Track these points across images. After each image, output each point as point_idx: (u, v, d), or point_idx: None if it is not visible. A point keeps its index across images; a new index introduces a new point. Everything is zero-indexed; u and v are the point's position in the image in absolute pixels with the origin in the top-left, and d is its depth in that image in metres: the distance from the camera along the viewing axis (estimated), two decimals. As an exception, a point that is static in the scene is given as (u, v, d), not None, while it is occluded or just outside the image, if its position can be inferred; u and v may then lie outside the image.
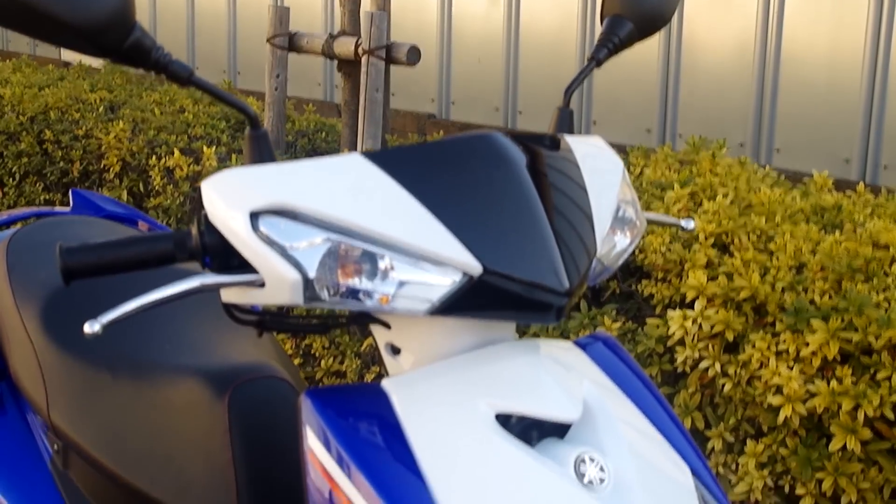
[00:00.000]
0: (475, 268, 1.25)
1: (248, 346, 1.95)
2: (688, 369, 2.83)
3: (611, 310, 3.06)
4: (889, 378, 2.53)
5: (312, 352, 3.76)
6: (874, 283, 2.78)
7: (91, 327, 1.22)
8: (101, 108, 5.24)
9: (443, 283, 1.25)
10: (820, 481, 2.63)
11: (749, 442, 2.78)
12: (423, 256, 1.25)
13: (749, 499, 2.73)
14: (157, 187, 4.52)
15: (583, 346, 1.47)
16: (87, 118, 5.10)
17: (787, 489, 2.75)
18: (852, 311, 2.61)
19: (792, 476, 2.73)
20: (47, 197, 5.05)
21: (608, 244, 1.42)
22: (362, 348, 3.58)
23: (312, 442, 1.27)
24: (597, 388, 1.35)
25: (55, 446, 1.98)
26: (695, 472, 1.39)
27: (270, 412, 1.75)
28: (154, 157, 4.58)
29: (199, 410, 1.75)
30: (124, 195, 4.62)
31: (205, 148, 4.41)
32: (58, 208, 2.68)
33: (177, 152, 4.44)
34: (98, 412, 1.88)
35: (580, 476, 1.23)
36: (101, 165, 4.83)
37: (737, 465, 2.76)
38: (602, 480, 1.24)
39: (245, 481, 1.69)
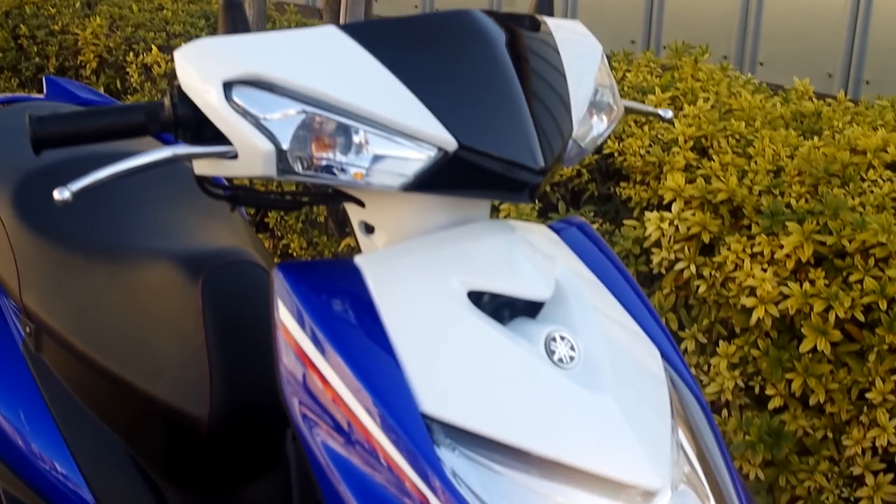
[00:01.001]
0: (450, 143, 1.24)
1: (222, 231, 1.94)
2: (663, 271, 2.84)
3: (588, 211, 3.06)
4: (861, 281, 2.55)
5: (290, 251, 3.76)
6: (850, 187, 2.79)
7: (61, 194, 1.20)
8: (77, 4, 5.17)
9: (417, 157, 1.25)
10: (790, 382, 2.66)
11: (721, 343, 2.81)
12: (398, 131, 1.24)
13: (720, 399, 2.76)
14: (134, 84, 4.47)
15: (557, 230, 1.47)
16: (64, 14, 5.03)
17: (757, 390, 2.78)
18: (827, 214, 2.62)
19: (762, 377, 2.76)
20: (23, 93, 4.99)
21: (584, 126, 1.41)
22: (340, 248, 3.58)
23: (284, 316, 1.26)
24: (570, 270, 1.35)
25: (27, 329, 1.98)
26: (665, 356, 1.40)
27: (244, 296, 1.75)
28: (131, 54, 4.53)
29: (173, 294, 1.75)
30: (101, 91, 4.58)
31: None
32: (32, 94, 2.65)
33: (154, 49, 4.39)
34: (71, 295, 1.87)
35: (550, 354, 1.23)
36: (78, 62, 4.77)
37: (709, 365, 2.79)
38: (572, 359, 1.24)
39: (218, 364, 1.69)
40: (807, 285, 2.58)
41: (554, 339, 1.24)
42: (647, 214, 2.81)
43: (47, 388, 1.92)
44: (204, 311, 1.70)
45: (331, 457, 1.20)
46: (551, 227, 1.47)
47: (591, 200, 3.18)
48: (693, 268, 2.76)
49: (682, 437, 1.33)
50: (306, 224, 3.79)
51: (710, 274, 2.76)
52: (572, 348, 1.25)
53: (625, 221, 2.95)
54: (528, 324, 1.28)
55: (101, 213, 1.94)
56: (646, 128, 3.23)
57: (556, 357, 1.23)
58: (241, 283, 1.76)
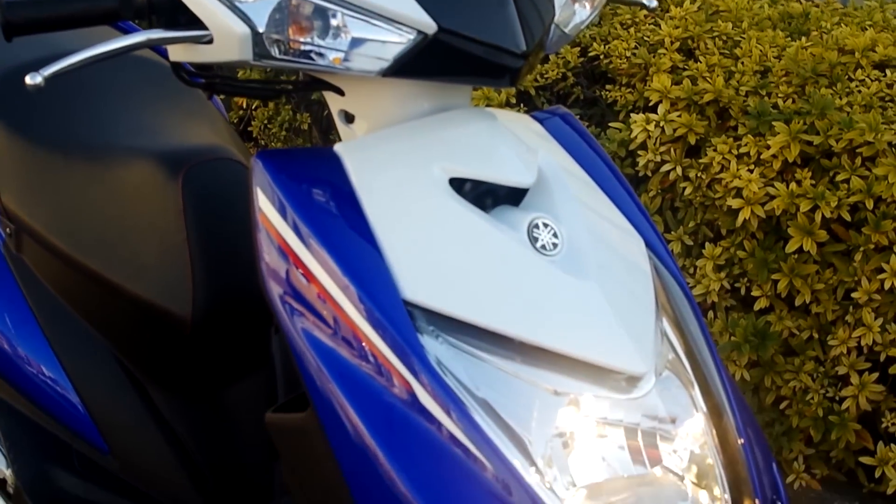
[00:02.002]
0: (429, 26, 1.21)
1: (202, 129, 1.91)
2: (649, 173, 2.83)
3: (574, 115, 3.03)
4: (847, 180, 2.54)
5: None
6: (838, 87, 2.77)
7: (32, 79, 1.18)
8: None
9: (397, 41, 1.22)
10: (775, 283, 2.66)
11: (707, 245, 2.80)
12: (376, 13, 1.21)
13: (706, 301, 2.76)
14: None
15: (540, 119, 1.45)
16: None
17: (743, 291, 2.78)
18: (815, 114, 2.60)
19: (748, 278, 2.76)
20: None
21: (567, 11, 1.38)
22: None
23: (264, 205, 1.24)
24: (553, 158, 1.33)
25: (7, 230, 1.95)
26: (651, 247, 1.39)
27: (224, 193, 1.73)
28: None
29: (153, 192, 1.73)
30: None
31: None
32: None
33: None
34: (51, 195, 1.85)
35: (533, 241, 1.22)
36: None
37: (695, 268, 2.79)
38: (555, 245, 1.23)
39: (200, 262, 1.68)
40: (793, 185, 2.57)
41: (537, 227, 1.23)
42: (633, 116, 2.79)
43: (30, 289, 1.91)
44: (185, 208, 1.68)
45: (314, 348, 1.19)
46: (534, 117, 1.45)
47: (576, 104, 3.15)
48: (679, 170, 2.75)
49: (667, 326, 1.32)
50: (290, 132, 3.75)
51: (696, 175, 2.75)
52: (555, 235, 1.24)
53: (610, 124, 2.92)
54: (510, 211, 1.26)
55: (80, 113, 1.91)
56: (631, 30, 3.19)
57: (539, 244, 1.22)
58: (222, 179, 1.74)
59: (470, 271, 1.19)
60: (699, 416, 1.27)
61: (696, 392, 1.29)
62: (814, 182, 2.58)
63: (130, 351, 1.87)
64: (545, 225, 1.24)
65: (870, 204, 2.51)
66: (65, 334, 1.88)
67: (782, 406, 2.73)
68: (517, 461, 1.12)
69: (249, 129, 3.81)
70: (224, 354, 1.85)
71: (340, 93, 1.33)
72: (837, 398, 2.63)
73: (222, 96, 1.93)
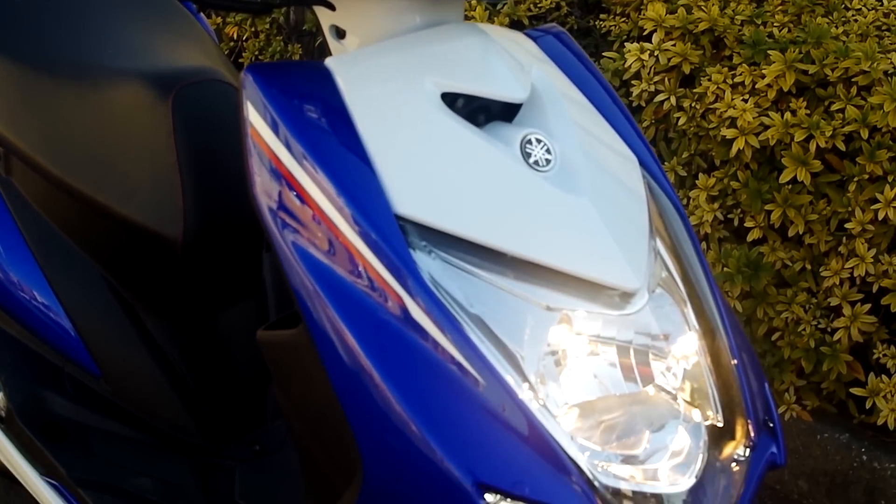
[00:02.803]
0: None
1: (192, 51, 1.89)
2: (643, 103, 2.81)
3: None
4: (843, 110, 2.52)
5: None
6: (834, 16, 2.75)
7: None
8: None
9: None
10: (769, 213, 2.65)
11: (701, 176, 2.79)
12: None
13: (699, 232, 2.75)
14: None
15: (534, 37, 1.43)
16: None
17: (736, 222, 2.77)
18: (810, 42, 2.58)
19: (742, 209, 2.75)
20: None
21: None
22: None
23: (255, 120, 1.22)
24: (546, 74, 1.32)
25: None
26: (644, 166, 1.38)
27: (215, 115, 1.71)
28: None
29: (143, 113, 1.71)
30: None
31: None
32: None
33: None
34: (40, 117, 1.83)
35: (526, 157, 1.21)
36: None
37: (688, 199, 2.77)
38: (548, 161, 1.22)
39: (190, 184, 1.67)
40: (788, 115, 2.56)
41: (530, 142, 1.22)
42: (628, 46, 2.77)
43: (20, 213, 1.89)
44: (175, 129, 1.66)
45: (306, 263, 1.18)
46: (528, 35, 1.43)
47: (570, 34, 3.12)
48: (673, 99, 2.73)
49: (661, 246, 1.32)
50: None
51: (691, 106, 2.73)
52: (548, 151, 1.22)
53: (604, 54, 2.90)
54: (503, 127, 1.25)
55: (68, 34, 1.89)
56: (626, -41, 3.16)
57: (531, 160, 1.21)
58: (213, 101, 1.72)
59: (462, 186, 1.18)
60: (692, 334, 1.26)
61: (689, 311, 1.28)
62: (809, 112, 2.56)
63: (122, 274, 1.86)
64: (538, 141, 1.22)
65: (865, 133, 2.49)
66: (56, 258, 1.87)
67: (774, 337, 2.73)
68: (510, 377, 1.12)
69: (241, 60, 3.77)
70: (215, 277, 1.85)
71: (331, 7, 1.31)
72: (829, 329, 2.64)
73: (214, 23, 1.91)
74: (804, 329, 2.65)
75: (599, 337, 1.19)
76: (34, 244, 1.88)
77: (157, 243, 1.70)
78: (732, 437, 1.27)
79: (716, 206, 2.77)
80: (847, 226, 2.55)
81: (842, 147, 2.53)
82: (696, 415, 1.23)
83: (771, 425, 1.34)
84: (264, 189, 1.23)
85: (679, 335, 1.24)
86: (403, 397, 1.10)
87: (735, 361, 1.30)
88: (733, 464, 1.25)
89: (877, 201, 2.49)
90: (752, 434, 1.27)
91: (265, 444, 1.88)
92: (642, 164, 1.37)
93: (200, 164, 1.67)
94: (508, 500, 1.07)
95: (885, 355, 2.59)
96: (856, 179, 2.53)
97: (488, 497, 1.07)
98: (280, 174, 1.21)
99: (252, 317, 1.85)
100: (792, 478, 2.80)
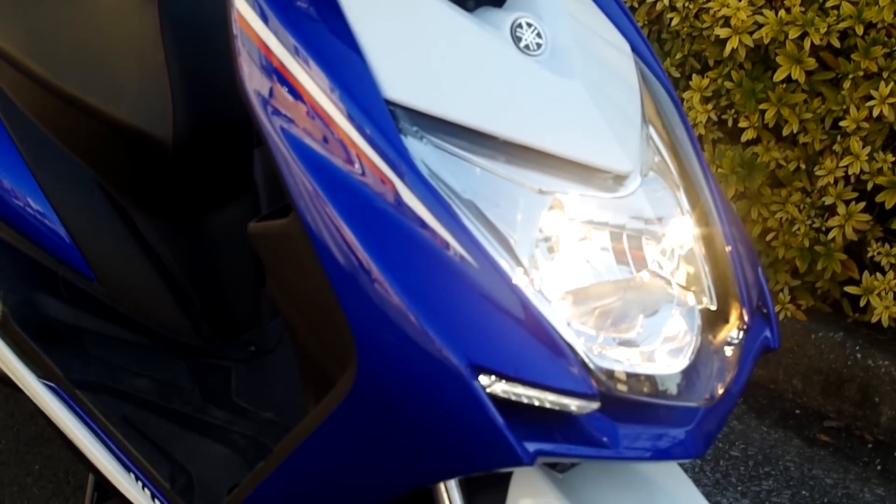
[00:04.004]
0: None
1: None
2: (636, 3, 2.78)
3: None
4: (837, 6, 2.50)
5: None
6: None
7: None
8: None
9: None
10: (763, 113, 2.64)
11: (694, 76, 2.77)
12: None
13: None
14: None
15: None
16: None
17: (730, 123, 2.76)
18: (805, -62, 2.55)
19: (736, 109, 2.74)
20: None
21: None
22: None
23: (244, 11, 1.20)
24: (536, -42, 1.29)
25: None
26: (636, 51, 1.36)
27: (203, 11, 1.68)
28: None
29: (129, 11, 1.68)
30: None
31: None
32: None
33: None
34: (25, 18, 1.80)
35: (516, 40, 1.19)
36: None
37: (682, 100, 2.76)
38: (539, 46, 1.20)
39: (179, 83, 1.65)
40: (782, 13, 2.53)
41: (520, 26, 1.20)
42: (620, -55, 2.73)
43: (9, 117, 1.87)
44: (162, 28, 1.64)
45: (296, 150, 1.16)
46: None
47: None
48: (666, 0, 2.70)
49: (653, 132, 1.30)
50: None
51: (684, 6, 2.70)
52: (539, 35, 1.21)
53: (597, -46, 2.86)
54: (492, 12, 1.23)
55: None
56: None
57: (522, 44, 1.19)
58: None
59: (452, 71, 1.16)
60: (686, 218, 1.26)
61: (682, 195, 1.27)
62: (803, 9, 2.54)
63: (113, 177, 1.85)
64: (528, 25, 1.21)
65: (860, 30, 2.47)
66: (47, 163, 1.86)
67: (768, 238, 2.74)
68: (504, 261, 1.11)
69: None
70: (206, 177, 1.84)
71: None
72: (824, 229, 2.64)
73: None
74: (798, 229, 2.65)
75: (592, 222, 1.18)
76: (25, 150, 1.87)
77: (147, 144, 1.68)
78: (726, 321, 1.27)
79: (710, 106, 2.75)
80: (842, 124, 2.54)
81: (836, 44, 2.51)
82: (689, 299, 1.23)
83: (765, 311, 1.34)
84: (254, 81, 1.21)
85: (672, 219, 1.23)
86: (396, 281, 1.10)
87: (729, 247, 1.29)
88: (727, 347, 1.25)
89: (872, 98, 2.48)
90: (746, 318, 1.27)
91: (261, 345, 1.89)
92: (636, 51, 1.35)
93: (189, 62, 1.65)
94: (503, 381, 1.07)
95: (879, 253, 2.60)
96: (850, 77, 2.51)
97: (482, 379, 1.07)
98: (271, 65, 1.19)
99: (244, 215, 1.85)
100: (786, 377, 2.82)
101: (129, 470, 1.62)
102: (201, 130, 1.67)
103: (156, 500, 1.58)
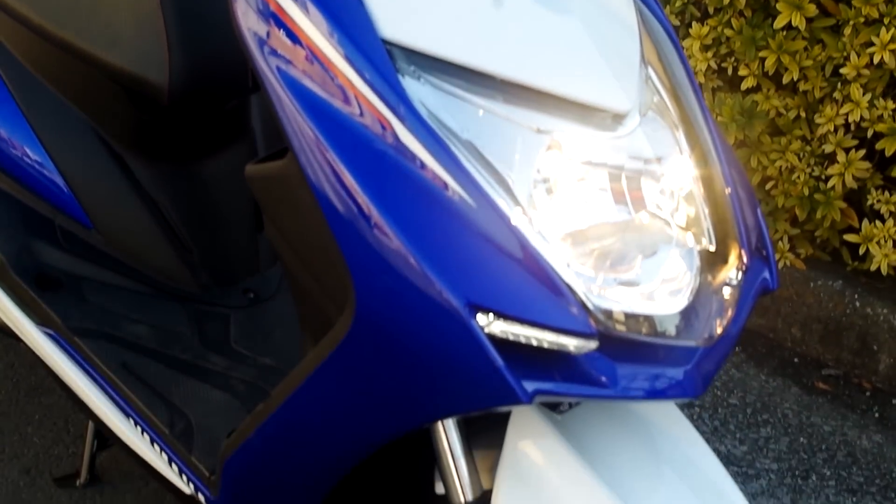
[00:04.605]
0: None
1: None
2: (635, -49, 2.76)
3: None
4: (839, -49, 2.49)
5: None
6: None
7: None
8: None
9: None
10: (763, 60, 2.62)
11: (694, 24, 2.75)
12: None
13: (692, 82, 2.72)
14: None
15: None
16: None
17: (730, 71, 2.75)
18: None
19: (735, 57, 2.73)
20: None
21: None
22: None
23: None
24: None
25: None
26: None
27: None
28: None
29: None
30: None
31: None
32: None
33: None
34: None
35: None
36: None
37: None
38: None
39: (174, 28, 1.63)
40: (783, -42, 2.51)
41: None
42: None
43: (6, 68, 1.86)
44: None
45: (292, 90, 1.16)
46: None
47: None
48: (666, -54, 2.68)
49: (652, 73, 1.30)
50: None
51: (684, -48, 2.69)
52: None
53: None
54: (491, -50, 1.22)
55: None
56: None
57: None
58: None
59: (449, 10, 1.15)
60: (685, 158, 1.25)
61: (681, 135, 1.27)
62: (804, -46, 2.52)
63: (109, 124, 1.84)
64: None
65: (861, -25, 2.46)
66: (43, 110, 1.85)
67: (768, 186, 2.73)
68: (502, 201, 1.10)
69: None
70: (203, 123, 1.83)
71: None
72: (823, 177, 2.63)
73: None
74: (798, 177, 2.64)
75: (591, 162, 1.17)
76: (21, 99, 1.85)
77: (143, 90, 1.67)
78: (725, 263, 1.26)
79: (709, 55, 2.74)
80: (842, 71, 2.53)
81: (837, -11, 2.50)
82: (689, 240, 1.23)
83: (764, 253, 1.34)
84: (251, 24, 1.20)
85: (671, 159, 1.23)
86: (394, 221, 1.09)
87: (728, 188, 1.29)
88: (725, 288, 1.25)
89: (872, 45, 2.47)
90: (745, 259, 1.27)
91: (259, 292, 1.89)
92: None
93: (184, 6, 1.64)
94: (501, 320, 1.07)
95: (879, 201, 2.60)
96: (851, 23, 2.50)
97: (480, 318, 1.06)
98: (268, 8, 1.18)
99: (241, 162, 1.83)
100: (785, 326, 2.82)
101: (128, 416, 1.63)
102: (197, 76, 1.65)
103: (155, 445, 1.59)
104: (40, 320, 1.71)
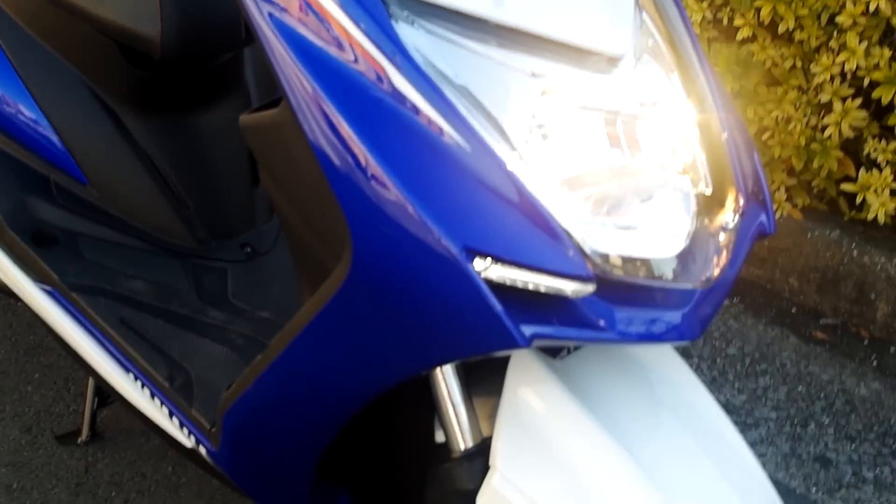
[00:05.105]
0: None
1: None
2: None
3: None
4: None
5: None
6: None
7: None
8: None
9: None
10: (758, 10, 2.61)
11: (689, -26, 2.74)
12: None
13: (687, 32, 2.71)
14: None
15: None
16: None
17: (725, 21, 2.74)
18: None
19: (731, 7, 2.71)
20: None
21: None
22: None
23: None
24: None
25: None
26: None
27: None
28: None
29: None
30: None
31: None
32: None
33: None
34: None
35: None
36: None
37: (676, -1, 2.73)
38: None
39: None
40: None
41: None
42: None
43: None
44: None
45: (285, 37, 1.15)
46: None
47: None
48: None
49: (647, 17, 1.29)
50: None
51: None
52: None
53: None
54: None
55: None
56: None
57: None
58: None
59: None
60: (680, 102, 1.25)
61: (677, 79, 1.26)
62: None
63: (103, 79, 1.83)
64: None
65: (856, -78, 2.44)
66: (36, 66, 1.84)
67: (765, 137, 2.72)
68: (498, 147, 1.10)
69: None
70: (196, 77, 1.82)
71: None
72: (820, 126, 2.63)
73: None
74: (795, 127, 2.64)
75: (586, 106, 1.17)
76: (12, 54, 1.84)
77: (135, 43, 1.66)
78: (721, 206, 1.26)
79: (704, 5, 2.73)
80: (838, 19, 2.52)
81: (833, -63, 2.48)
82: (685, 183, 1.23)
83: (760, 197, 1.34)
84: None
85: (667, 103, 1.23)
86: (389, 166, 1.09)
87: (724, 133, 1.28)
88: (722, 232, 1.25)
89: (868, -8, 2.45)
90: (742, 203, 1.27)
91: (256, 246, 1.89)
92: None
93: None
94: (498, 265, 1.07)
95: (875, 150, 2.59)
96: (847, -30, 2.48)
97: (477, 262, 1.06)
98: None
99: (236, 116, 1.82)
100: (782, 276, 2.83)
101: (127, 371, 1.63)
102: (190, 28, 1.64)
103: (155, 399, 1.59)
104: (38, 277, 1.71)
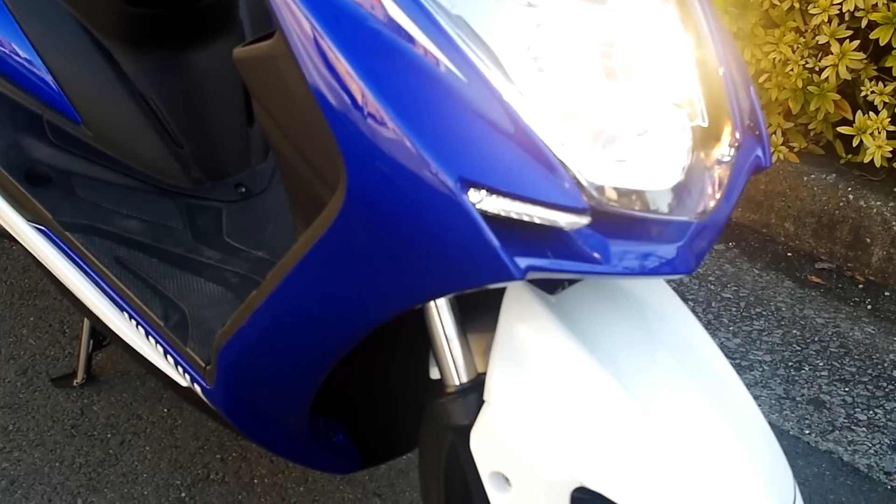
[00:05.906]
0: None
1: None
2: None
3: None
4: None
5: None
6: None
7: None
8: None
9: None
10: (757, -49, 2.59)
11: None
12: None
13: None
14: None
15: None
16: None
17: (723, -38, 2.71)
18: None
19: (729, -52, 2.69)
20: None
21: None
22: None
23: None
24: None
25: None
26: None
27: None
28: None
29: None
30: None
31: None
32: None
33: None
34: None
35: None
36: None
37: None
38: None
39: None
40: None
41: None
42: None
43: None
44: None
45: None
46: None
47: None
48: None
49: (643, -52, 1.27)
50: None
51: None
52: None
53: None
54: None
55: None
56: None
57: None
58: None
59: None
60: (677, 35, 1.23)
61: (674, 12, 1.25)
62: None
63: (95, 17, 1.81)
64: None
65: None
66: (28, 5, 1.82)
67: (762, 79, 2.71)
68: (494, 78, 1.09)
69: None
70: (190, 14, 1.80)
71: None
72: (817, 69, 2.61)
73: None
74: (792, 69, 2.63)
75: (582, 38, 1.16)
76: None
77: None
78: (717, 140, 1.25)
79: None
80: (837, -40, 2.50)
81: None
82: (681, 117, 1.22)
83: (756, 132, 1.33)
84: None
85: (664, 35, 1.21)
86: (383, 96, 1.08)
87: (721, 67, 1.27)
88: (718, 165, 1.24)
89: (867, -68, 2.43)
90: (738, 137, 1.26)
91: (251, 186, 1.88)
92: None
93: None
94: (493, 196, 1.06)
95: (872, 92, 2.58)
96: None
97: (472, 193, 1.06)
98: None
99: (230, 55, 1.81)
100: (778, 220, 2.83)
101: (122, 310, 1.63)
102: None
103: (150, 338, 1.59)
104: (31, 217, 1.71)
